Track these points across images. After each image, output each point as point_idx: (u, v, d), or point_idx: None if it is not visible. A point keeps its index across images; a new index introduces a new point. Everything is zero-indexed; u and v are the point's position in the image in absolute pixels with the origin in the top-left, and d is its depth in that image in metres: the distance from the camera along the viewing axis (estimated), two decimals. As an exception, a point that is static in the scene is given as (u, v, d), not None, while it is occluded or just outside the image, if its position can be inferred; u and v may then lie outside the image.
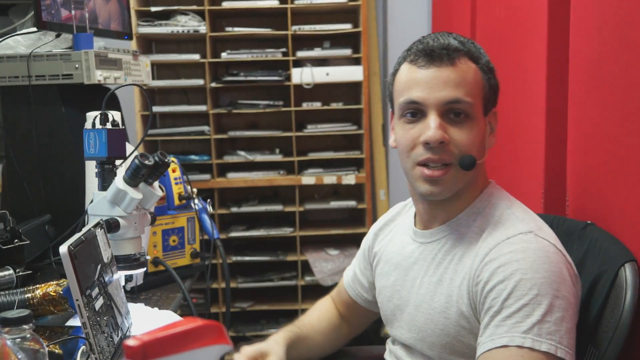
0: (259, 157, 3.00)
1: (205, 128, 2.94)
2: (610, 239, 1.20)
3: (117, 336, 1.17)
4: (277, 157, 3.01)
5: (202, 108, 2.93)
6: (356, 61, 3.00)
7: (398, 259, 1.28)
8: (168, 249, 1.74)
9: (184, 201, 1.77)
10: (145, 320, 1.38)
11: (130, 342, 0.57)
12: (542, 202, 1.59)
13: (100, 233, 1.20)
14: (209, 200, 1.88)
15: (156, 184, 1.39)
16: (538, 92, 1.60)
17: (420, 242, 1.23)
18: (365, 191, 3.00)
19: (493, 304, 1.05)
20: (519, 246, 1.07)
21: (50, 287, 1.32)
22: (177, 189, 1.76)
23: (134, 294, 1.60)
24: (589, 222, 1.28)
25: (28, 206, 1.81)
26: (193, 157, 2.97)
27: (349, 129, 3.00)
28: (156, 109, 2.99)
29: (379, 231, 1.39)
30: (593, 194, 1.33)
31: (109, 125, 1.34)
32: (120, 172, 1.35)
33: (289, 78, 2.92)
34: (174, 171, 1.76)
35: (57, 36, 1.87)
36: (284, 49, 2.93)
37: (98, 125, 1.33)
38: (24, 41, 1.87)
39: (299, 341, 1.37)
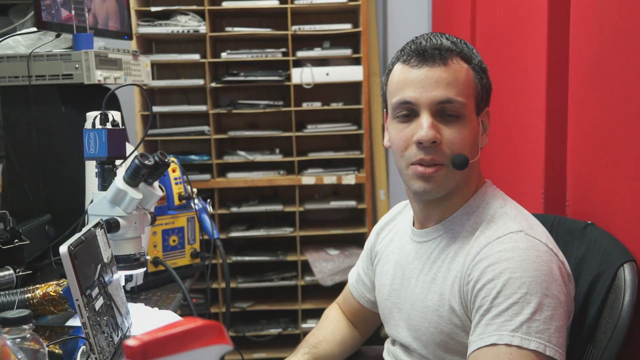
0: (259, 157, 3.00)
1: (205, 128, 2.94)
2: (610, 239, 1.20)
3: (117, 336, 1.17)
4: (277, 157, 3.01)
5: (202, 108, 2.93)
6: (356, 61, 3.00)
7: (397, 258, 1.29)
8: (168, 249, 1.74)
9: (184, 201, 1.77)
10: (145, 320, 1.38)
11: (130, 342, 0.57)
12: (542, 202, 1.59)
13: (100, 233, 1.20)
14: (209, 200, 1.88)
15: (156, 184, 1.40)
16: (538, 92, 1.61)
17: (417, 241, 1.24)
18: (365, 191, 3.00)
19: (483, 302, 1.05)
20: (508, 245, 1.07)
21: (50, 287, 1.32)
22: (177, 189, 1.76)
23: (134, 294, 1.60)
24: (589, 222, 1.28)
25: (28, 206, 1.81)
26: (193, 157, 2.97)
27: (349, 129, 3.00)
28: (156, 109, 2.99)
29: (381, 230, 1.40)
30: (593, 194, 1.33)
31: (109, 125, 1.34)
32: (120, 172, 1.35)
33: (289, 78, 2.92)
34: (174, 171, 1.76)
35: (57, 36, 1.87)
36: (284, 49, 2.93)
37: (98, 125, 1.33)
38: (24, 41, 1.87)
39: None
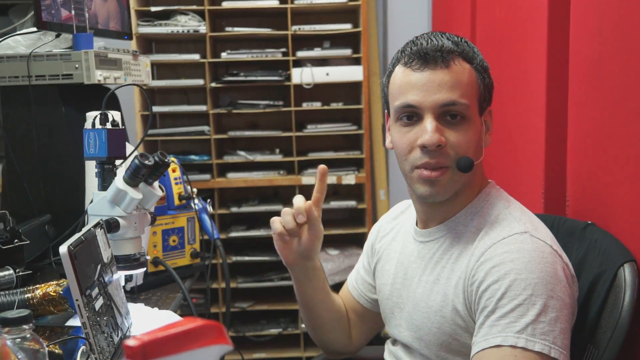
0: (259, 157, 3.00)
1: (205, 128, 2.94)
2: (610, 239, 1.20)
3: (117, 336, 1.17)
4: (277, 157, 3.01)
5: (202, 108, 2.93)
6: (356, 61, 3.00)
7: (399, 257, 1.29)
8: (168, 249, 1.74)
9: (184, 201, 1.77)
10: (145, 320, 1.38)
11: (130, 342, 0.57)
12: (542, 202, 1.59)
13: (100, 233, 1.20)
14: (209, 200, 1.88)
15: (156, 184, 1.39)
16: (538, 92, 1.60)
17: (420, 241, 1.23)
18: (365, 191, 3.00)
19: (487, 303, 1.05)
20: (514, 246, 1.07)
21: (50, 287, 1.32)
22: (177, 189, 1.76)
23: (134, 294, 1.60)
24: (589, 222, 1.28)
25: (28, 206, 1.81)
26: (193, 157, 2.97)
27: (349, 129, 3.00)
28: (156, 109, 2.99)
29: (381, 229, 1.39)
30: (593, 194, 1.33)
31: (109, 125, 1.34)
32: (120, 172, 1.35)
33: (289, 78, 2.92)
34: (174, 171, 1.76)
35: (57, 36, 1.87)
36: (284, 49, 2.93)
37: (98, 125, 1.33)
38: (24, 41, 1.87)
39: (325, 284, 1.39)
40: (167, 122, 3.14)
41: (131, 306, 1.38)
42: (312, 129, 2.97)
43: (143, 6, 2.90)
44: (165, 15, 2.90)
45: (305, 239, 1.28)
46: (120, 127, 1.39)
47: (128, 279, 1.50)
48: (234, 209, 2.99)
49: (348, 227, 3.07)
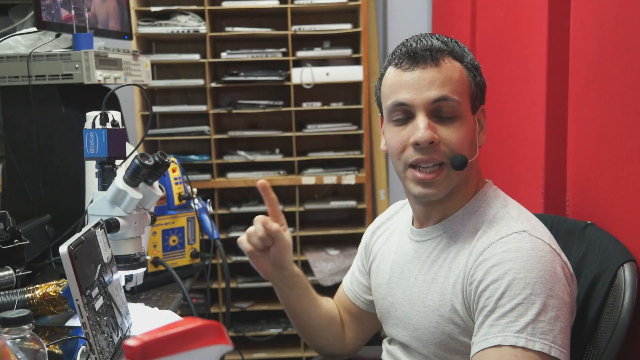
0: (259, 157, 3.00)
1: (205, 128, 2.94)
2: (610, 239, 1.20)
3: (117, 336, 1.17)
4: (277, 157, 3.01)
5: (202, 108, 2.93)
6: (356, 61, 3.00)
7: (394, 257, 1.29)
8: (168, 249, 1.74)
9: (184, 201, 1.77)
10: (145, 320, 1.38)
11: (130, 342, 0.57)
12: (542, 202, 1.59)
13: (100, 233, 1.20)
14: (209, 200, 1.88)
15: (156, 184, 1.40)
16: (538, 92, 1.61)
17: (416, 240, 1.23)
18: (365, 191, 3.00)
19: (487, 303, 1.05)
20: (512, 245, 1.07)
21: (50, 287, 1.32)
22: (177, 189, 1.76)
23: (134, 294, 1.60)
24: (588, 222, 1.28)
25: (28, 206, 1.81)
26: (193, 157, 2.97)
27: (349, 129, 3.00)
28: (156, 109, 2.99)
29: (377, 229, 1.39)
30: (593, 194, 1.33)
31: (109, 125, 1.34)
32: (120, 172, 1.35)
33: (289, 78, 2.92)
34: (174, 171, 1.76)
35: (57, 36, 1.87)
36: (284, 49, 2.93)
37: (98, 125, 1.33)
38: (24, 41, 1.87)
39: (307, 290, 1.37)
40: (167, 122, 3.14)
41: (131, 306, 1.38)
42: (312, 129, 2.97)
43: (143, 6, 2.90)
44: (165, 15, 2.90)
45: (273, 251, 1.29)
46: (120, 127, 1.39)
47: (128, 279, 1.50)
48: (234, 209, 2.99)
49: (348, 227, 3.07)
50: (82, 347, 1.09)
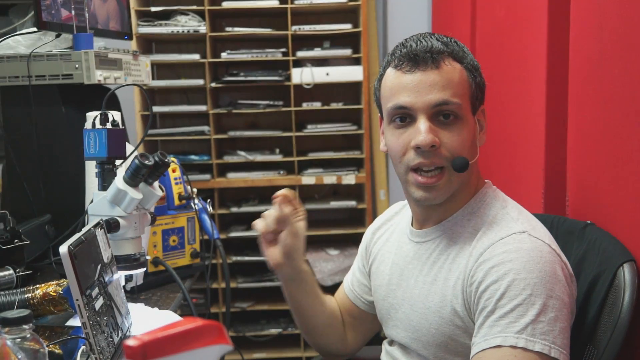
0: (259, 157, 3.00)
1: (205, 128, 2.94)
2: (610, 239, 1.20)
3: (117, 336, 1.17)
4: (277, 157, 3.01)
5: (202, 108, 2.93)
6: (356, 61, 3.00)
7: (394, 258, 1.28)
8: (168, 249, 1.74)
9: (184, 201, 1.77)
10: (145, 320, 1.38)
11: (130, 342, 0.57)
12: (542, 202, 1.59)
13: (100, 233, 1.20)
14: (209, 200, 1.88)
15: (156, 184, 1.40)
16: (538, 92, 1.61)
17: (416, 241, 1.23)
18: (365, 191, 3.00)
19: (487, 304, 1.05)
20: (512, 246, 1.07)
21: (50, 287, 1.32)
22: (177, 189, 1.76)
23: (134, 294, 1.60)
24: (588, 222, 1.28)
25: (28, 206, 1.81)
26: (193, 157, 2.97)
27: (349, 129, 3.00)
28: (156, 109, 2.99)
29: (376, 230, 1.39)
30: (593, 194, 1.33)
31: (109, 125, 1.34)
32: (120, 172, 1.35)
33: (289, 78, 2.92)
34: (174, 171, 1.76)
35: (57, 36, 1.87)
36: (284, 49, 2.93)
37: (98, 125, 1.33)
38: (24, 41, 1.87)
39: (314, 287, 1.38)
40: (167, 122, 3.14)
41: (131, 306, 1.38)
42: (312, 129, 2.97)
43: (143, 6, 2.90)
44: (165, 16, 2.90)
45: (284, 236, 1.25)
46: (120, 127, 1.39)
47: (128, 279, 1.49)
48: (234, 209, 2.99)
49: (348, 227, 3.07)
50: (82, 347, 1.09)
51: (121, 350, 1.15)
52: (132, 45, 2.72)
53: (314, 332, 1.41)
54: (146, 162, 1.30)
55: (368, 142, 2.99)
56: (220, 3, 2.91)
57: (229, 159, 3.01)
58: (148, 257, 1.44)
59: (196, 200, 1.80)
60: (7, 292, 1.33)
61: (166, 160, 1.36)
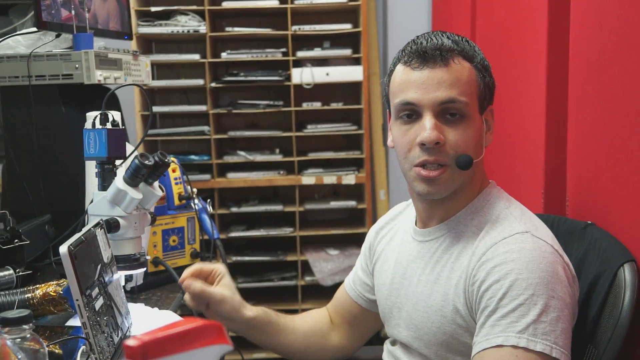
0: (259, 157, 3.00)
1: (205, 128, 2.94)
2: (610, 239, 1.20)
3: (117, 336, 1.17)
4: (277, 157, 3.01)
5: (202, 108, 2.93)
6: (356, 61, 3.00)
7: (397, 257, 1.29)
8: (168, 249, 1.74)
9: (184, 201, 1.77)
10: (145, 320, 1.38)
11: (130, 342, 0.57)
12: (542, 202, 1.59)
13: (100, 233, 1.20)
14: (209, 200, 1.88)
15: (156, 184, 1.39)
16: (538, 92, 1.61)
17: (419, 240, 1.23)
18: (365, 191, 3.00)
19: (489, 303, 1.05)
20: (515, 246, 1.07)
21: (50, 287, 1.32)
22: (177, 189, 1.76)
23: (134, 294, 1.60)
24: (589, 222, 1.28)
25: (28, 206, 1.81)
26: (193, 157, 2.97)
27: (349, 129, 3.00)
28: (156, 109, 2.99)
29: (380, 229, 1.39)
30: (593, 194, 1.33)
31: (109, 125, 1.34)
32: (120, 172, 1.35)
33: (289, 78, 2.92)
34: (174, 171, 1.76)
35: (57, 36, 1.87)
36: (284, 49, 2.93)
37: (98, 125, 1.33)
38: (24, 41, 1.87)
39: (271, 325, 1.38)
40: (167, 122, 3.14)
41: (131, 306, 1.38)
42: (312, 129, 2.97)
43: (143, 6, 2.90)
44: (165, 16, 2.90)
45: (212, 307, 1.32)
46: (120, 127, 1.39)
47: (128, 279, 1.49)
48: (234, 209, 2.99)
49: (348, 227, 3.08)
50: (82, 347, 1.09)
51: (121, 350, 1.15)
52: (132, 45, 2.72)
53: (301, 355, 1.43)
54: (146, 162, 1.30)
55: (368, 142, 2.99)
56: (220, 3, 2.91)
57: (229, 159, 3.01)
58: (148, 257, 1.44)
59: (196, 200, 1.80)
60: (7, 292, 1.33)
61: (166, 160, 1.36)
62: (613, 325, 1.09)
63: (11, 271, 1.44)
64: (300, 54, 2.93)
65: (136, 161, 1.30)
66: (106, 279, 1.18)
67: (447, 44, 1.13)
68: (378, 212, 3.11)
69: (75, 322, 1.34)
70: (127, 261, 1.35)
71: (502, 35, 1.95)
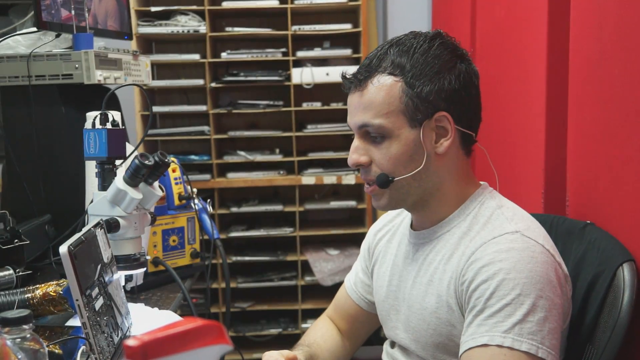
0: (259, 157, 3.00)
1: (205, 128, 2.94)
2: (609, 239, 1.20)
3: (117, 336, 1.17)
4: (277, 157, 3.01)
5: (202, 108, 2.93)
6: (356, 61, 3.00)
7: (394, 260, 1.29)
8: (168, 249, 1.74)
9: (184, 201, 1.77)
10: (145, 320, 1.38)
11: (130, 342, 0.57)
12: (542, 202, 1.59)
13: (100, 233, 1.20)
14: (209, 200, 1.88)
15: (156, 184, 1.40)
16: (538, 92, 1.61)
17: (414, 242, 1.24)
18: (365, 191, 2.99)
19: (476, 303, 1.05)
20: (504, 246, 1.07)
21: (50, 287, 1.32)
22: (177, 189, 1.76)
23: (134, 294, 1.60)
24: (588, 222, 1.28)
25: (28, 206, 1.81)
26: (193, 157, 2.97)
27: (349, 129, 2.99)
28: (156, 109, 2.99)
29: (378, 231, 1.39)
30: (593, 194, 1.33)
31: (109, 125, 1.34)
32: (120, 172, 1.35)
33: (289, 78, 2.92)
34: (174, 171, 1.76)
35: (57, 36, 1.87)
36: (284, 49, 2.93)
37: (98, 125, 1.33)
38: (24, 41, 1.87)
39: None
40: (167, 122, 3.14)
41: (131, 306, 1.38)
42: (312, 129, 2.97)
43: (143, 6, 2.90)
44: (165, 15, 2.90)
45: None
46: (120, 127, 1.39)
47: (128, 279, 1.50)
48: (234, 209, 2.99)
49: (348, 227, 3.08)
50: (82, 347, 1.09)
51: (121, 350, 1.15)
52: (132, 45, 2.72)
53: None
54: (146, 162, 1.30)
55: (368, 142, 2.98)
56: (220, 3, 2.91)
57: (229, 159, 3.01)
58: (148, 257, 1.44)
59: (196, 200, 1.80)
60: (7, 292, 1.33)
61: (166, 160, 1.36)
62: (612, 324, 1.09)
63: (11, 271, 1.44)
64: (300, 54, 2.93)
65: (136, 161, 1.30)
66: (106, 279, 1.18)
67: (373, 62, 1.15)
68: (378, 212, 3.11)
69: (75, 322, 1.34)
70: (127, 261, 1.35)
71: (502, 35, 1.95)
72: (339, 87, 3.32)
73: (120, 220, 1.31)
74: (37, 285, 1.34)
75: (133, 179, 1.31)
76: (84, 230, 1.15)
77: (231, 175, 2.97)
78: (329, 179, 2.96)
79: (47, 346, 1.09)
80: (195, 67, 3.05)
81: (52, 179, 1.84)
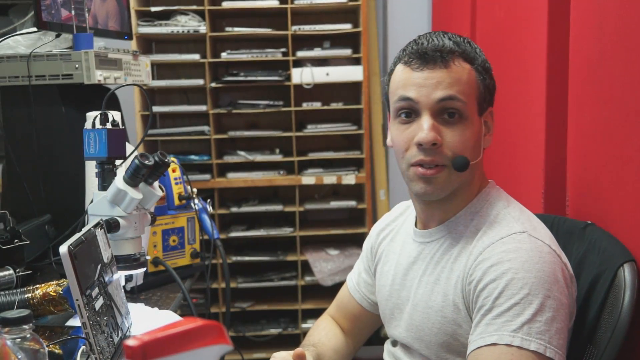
0: (259, 157, 3.00)
1: (205, 128, 2.94)
2: (610, 239, 1.20)
3: (117, 336, 1.17)
4: (277, 157, 3.01)
5: (202, 108, 2.93)
6: (356, 61, 3.00)
7: (398, 259, 1.29)
8: (168, 249, 1.74)
9: (184, 201, 1.77)
10: (145, 320, 1.38)
11: (130, 342, 0.57)
12: (542, 202, 1.59)
13: (100, 233, 1.20)
14: (209, 200, 1.88)
15: (156, 184, 1.40)
16: (538, 92, 1.61)
17: (420, 241, 1.23)
18: (365, 191, 3.00)
19: (484, 302, 1.05)
20: (512, 246, 1.07)
21: (50, 287, 1.32)
22: (177, 189, 1.76)
23: (134, 294, 1.60)
24: (588, 222, 1.28)
25: (28, 206, 1.81)
26: (193, 157, 2.97)
27: (349, 129, 3.00)
28: (156, 109, 2.99)
29: (381, 231, 1.39)
30: (593, 194, 1.33)
31: (109, 125, 1.34)
32: (120, 172, 1.35)
33: (289, 78, 2.92)
34: (174, 171, 1.76)
35: (57, 36, 1.87)
36: (284, 49, 2.93)
37: (98, 125, 1.33)
38: (24, 41, 1.87)
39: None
40: (167, 122, 3.14)
41: (131, 306, 1.38)
42: (312, 129, 2.97)
43: (143, 6, 2.90)
44: (165, 15, 2.90)
45: None
46: (120, 127, 1.39)
47: (128, 279, 1.50)
48: (234, 209, 2.99)
49: (348, 227, 3.08)
50: (82, 347, 1.09)
51: (121, 350, 1.15)
52: (132, 45, 2.72)
53: None
54: (146, 162, 1.30)
55: (368, 142, 2.99)
56: (220, 3, 2.91)
57: (229, 159, 3.01)
58: (148, 257, 1.44)
59: (196, 200, 1.80)
60: (7, 292, 1.33)
61: (166, 160, 1.36)
62: (613, 325, 1.09)
63: (11, 271, 1.44)
64: (300, 54, 2.93)
65: (136, 161, 1.30)
66: (106, 279, 1.18)
67: (448, 45, 1.13)
68: (378, 212, 3.11)
69: (75, 322, 1.34)
70: (127, 261, 1.35)
71: (502, 35, 1.95)
72: (339, 87, 3.33)
73: (120, 220, 1.31)
74: (37, 285, 1.34)
75: (133, 179, 1.31)
76: (84, 230, 1.15)
77: (231, 175, 2.97)
78: (329, 179, 2.96)
79: (47, 346, 1.09)
80: (195, 67, 3.05)
81: (52, 179, 1.84)
